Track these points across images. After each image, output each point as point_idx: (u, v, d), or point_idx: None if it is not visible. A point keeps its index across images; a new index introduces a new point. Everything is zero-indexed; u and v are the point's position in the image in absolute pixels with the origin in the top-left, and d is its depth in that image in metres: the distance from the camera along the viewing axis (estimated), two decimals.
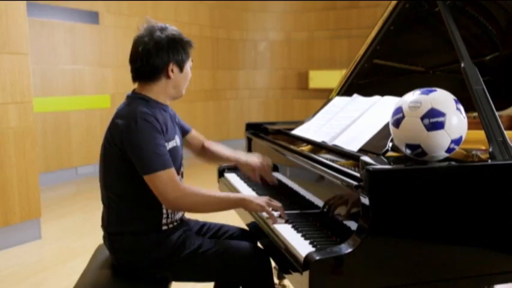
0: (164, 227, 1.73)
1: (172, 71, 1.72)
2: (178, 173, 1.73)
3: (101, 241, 2.02)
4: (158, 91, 1.74)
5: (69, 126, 6.01)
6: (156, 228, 1.71)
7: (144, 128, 1.60)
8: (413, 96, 1.40)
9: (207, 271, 1.75)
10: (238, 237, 1.93)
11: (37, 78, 5.43)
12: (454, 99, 1.39)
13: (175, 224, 1.78)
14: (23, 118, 3.60)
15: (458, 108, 1.37)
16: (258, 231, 1.85)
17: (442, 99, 1.37)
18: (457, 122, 1.35)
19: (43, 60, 5.60)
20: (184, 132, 2.03)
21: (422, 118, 1.34)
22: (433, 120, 1.33)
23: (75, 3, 5.96)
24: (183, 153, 1.86)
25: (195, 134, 2.10)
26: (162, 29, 1.71)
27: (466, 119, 1.39)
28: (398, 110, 1.41)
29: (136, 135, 1.60)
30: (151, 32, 1.70)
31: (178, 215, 1.81)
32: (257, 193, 2.10)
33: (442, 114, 1.34)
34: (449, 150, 1.37)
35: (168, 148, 1.67)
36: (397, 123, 1.40)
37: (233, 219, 2.27)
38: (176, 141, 1.78)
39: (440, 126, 1.33)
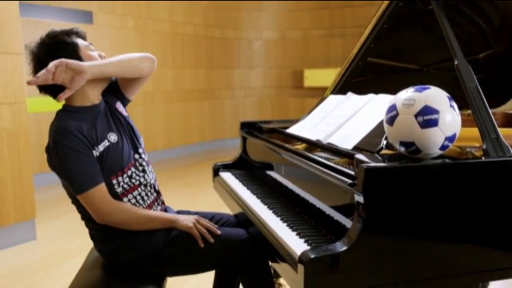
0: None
1: None
2: (129, 169, 1.71)
3: None
4: (78, 96, 1.68)
5: None
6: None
7: (61, 152, 1.58)
8: (407, 93, 1.41)
9: (204, 261, 1.74)
10: (232, 225, 1.93)
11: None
12: (448, 97, 1.39)
13: (149, 202, 1.78)
14: (16, 118, 3.59)
15: (451, 106, 1.37)
16: (247, 220, 1.87)
17: (436, 96, 1.37)
18: (450, 119, 1.35)
19: None
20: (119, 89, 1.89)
21: (416, 116, 1.34)
22: (427, 117, 1.33)
23: (69, 3, 5.94)
24: (131, 145, 1.78)
25: None
26: (38, 45, 1.69)
27: (459, 116, 1.39)
28: (392, 108, 1.41)
29: (56, 161, 1.60)
30: (33, 54, 1.69)
31: (159, 208, 1.81)
32: (252, 192, 2.10)
33: (436, 112, 1.34)
34: (443, 147, 1.37)
35: (99, 151, 1.64)
36: (391, 120, 1.40)
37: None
38: (110, 139, 1.70)
39: (434, 123, 1.34)
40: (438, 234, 1.36)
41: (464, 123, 1.49)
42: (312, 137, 1.93)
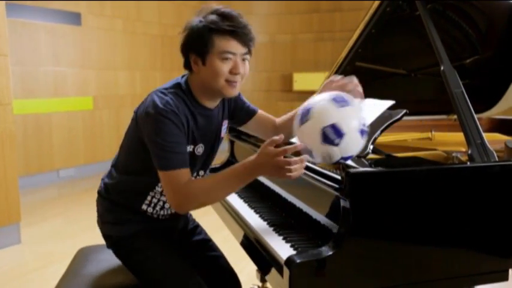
0: (144, 208, 1.68)
1: (195, 62, 1.55)
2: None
3: (81, 245, 2.00)
4: (195, 85, 1.59)
5: (51, 128, 5.93)
6: (137, 210, 1.68)
7: (160, 123, 1.45)
8: (329, 101, 1.36)
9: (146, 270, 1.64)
10: (220, 266, 1.85)
11: (18, 80, 5.35)
12: (362, 118, 1.35)
13: (161, 214, 1.72)
14: (2, 120, 3.54)
15: (362, 131, 1.33)
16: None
17: (349, 115, 1.32)
18: (352, 143, 1.32)
19: (24, 62, 5.52)
20: (250, 113, 1.86)
21: (323, 128, 1.30)
22: (331, 135, 1.29)
23: (57, 4, 5.89)
24: (204, 162, 1.70)
25: (262, 116, 1.91)
26: (189, 26, 1.55)
27: (363, 141, 1.35)
28: (307, 111, 1.37)
29: (152, 129, 1.47)
30: (184, 29, 1.58)
31: (165, 211, 1.73)
32: (239, 196, 2.09)
33: (341, 134, 1.29)
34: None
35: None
36: (301, 121, 1.37)
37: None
38: (196, 149, 1.61)
39: (334, 143, 1.30)
40: (424, 239, 1.36)
41: (451, 128, 1.50)
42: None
